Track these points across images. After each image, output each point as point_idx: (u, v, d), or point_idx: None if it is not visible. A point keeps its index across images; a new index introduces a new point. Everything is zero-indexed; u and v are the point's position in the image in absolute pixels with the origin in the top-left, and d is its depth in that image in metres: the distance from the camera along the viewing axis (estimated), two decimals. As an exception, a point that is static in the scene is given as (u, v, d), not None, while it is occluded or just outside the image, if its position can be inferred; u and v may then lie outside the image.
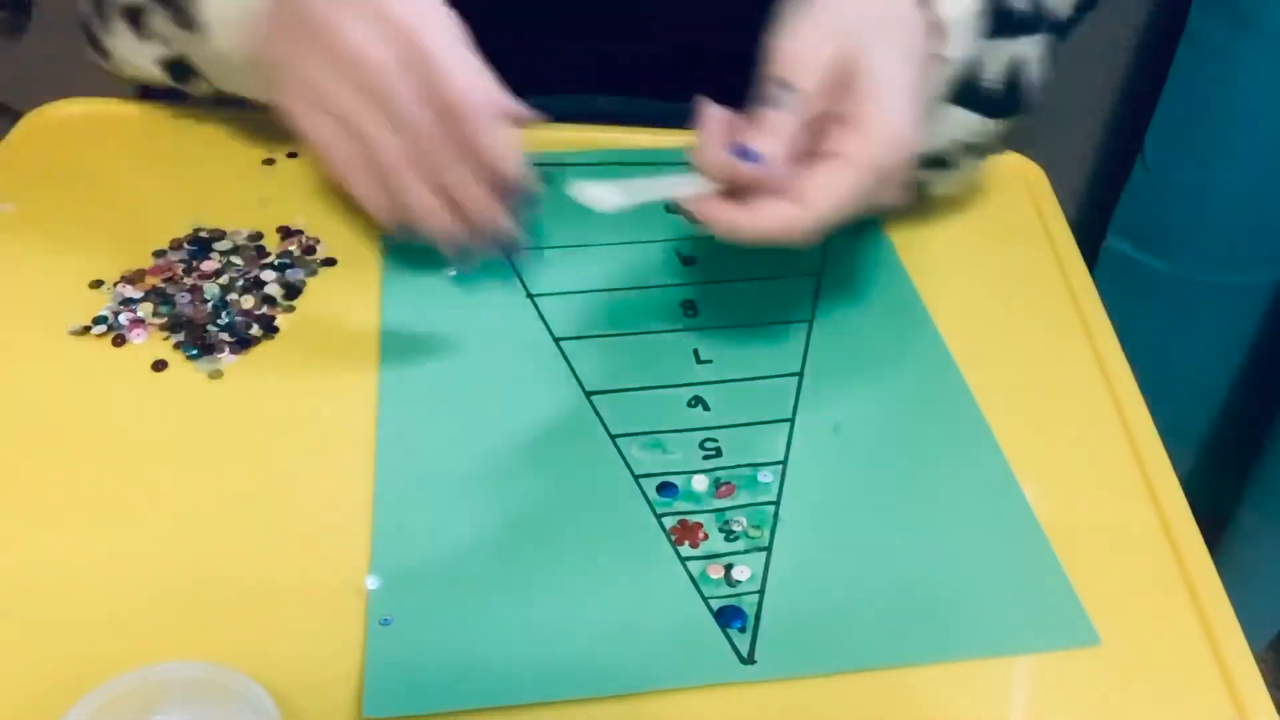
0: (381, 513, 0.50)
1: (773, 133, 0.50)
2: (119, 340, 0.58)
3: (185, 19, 0.61)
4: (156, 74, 0.68)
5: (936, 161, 0.64)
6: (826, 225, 0.50)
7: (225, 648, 0.44)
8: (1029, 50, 0.60)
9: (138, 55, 0.67)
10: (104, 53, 0.70)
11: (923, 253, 0.67)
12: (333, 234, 0.65)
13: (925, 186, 0.66)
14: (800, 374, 0.58)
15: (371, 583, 0.48)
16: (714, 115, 0.53)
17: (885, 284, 0.64)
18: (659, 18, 0.76)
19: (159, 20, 0.65)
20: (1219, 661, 0.47)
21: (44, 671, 0.44)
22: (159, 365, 0.57)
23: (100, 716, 0.40)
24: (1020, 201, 0.73)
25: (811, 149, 0.51)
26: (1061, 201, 0.72)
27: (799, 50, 0.51)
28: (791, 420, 0.56)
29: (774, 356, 0.59)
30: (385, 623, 0.46)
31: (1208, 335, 1.21)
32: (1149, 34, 1.16)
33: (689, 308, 0.62)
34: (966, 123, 0.61)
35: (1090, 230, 1.18)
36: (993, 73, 0.59)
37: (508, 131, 0.54)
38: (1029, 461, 0.55)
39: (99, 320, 0.59)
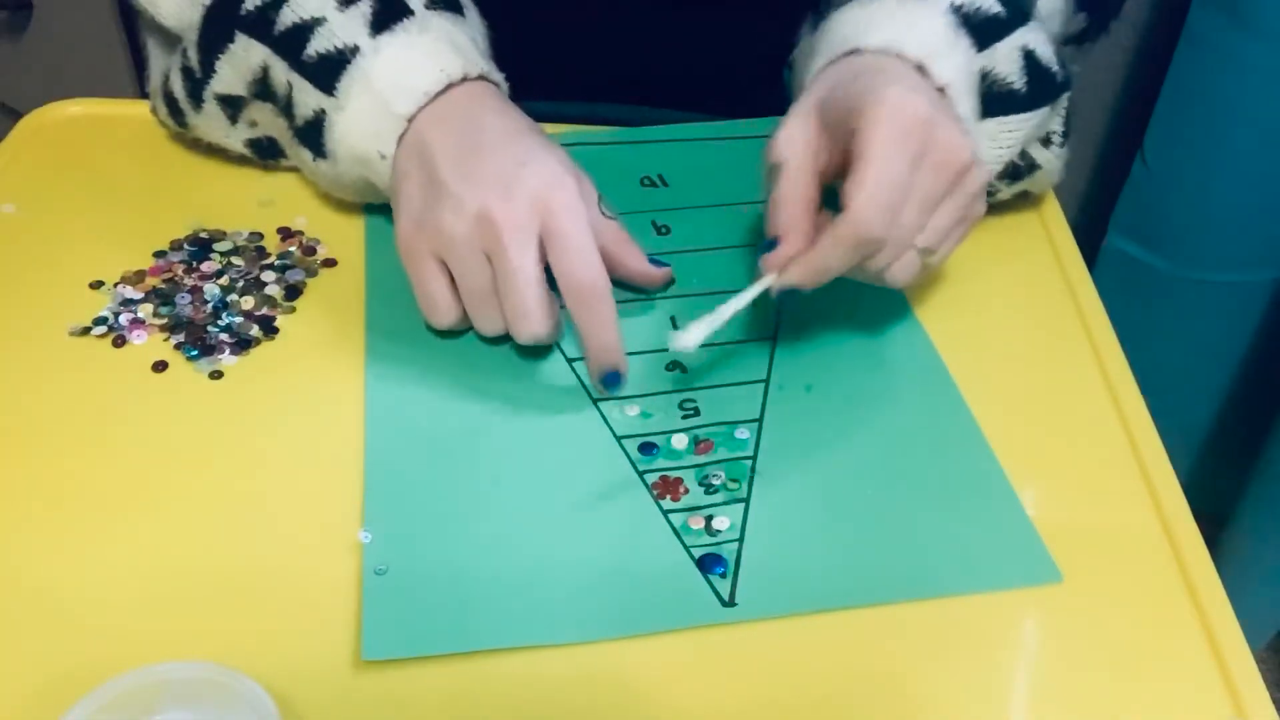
0: (373, 474, 0.52)
1: (778, 213, 0.55)
2: (119, 341, 0.58)
3: (312, 144, 0.61)
4: (238, 149, 0.68)
5: (1018, 170, 0.65)
6: (884, 218, 0.52)
7: (225, 647, 0.44)
8: (1027, 35, 0.60)
9: (225, 135, 0.68)
10: (182, 125, 0.69)
11: (923, 253, 0.67)
12: (333, 235, 0.65)
13: (1030, 186, 0.68)
14: (773, 338, 0.61)
15: (365, 536, 0.49)
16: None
17: None
18: (672, 32, 0.76)
19: (259, 112, 0.65)
20: (1219, 661, 0.47)
21: (44, 671, 0.44)
22: (159, 366, 0.57)
23: (100, 716, 0.40)
24: (1020, 201, 0.73)
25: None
26: (1061, 201, 0.72)
27: (786, 134, 0.55)
28: (766, 381, 0.58)
29: (748, 322, 0.61)
30: (380, 572, 0.48)
31: (1208, 334, 1.21)
32: (1149, 34, 1.16)
33: None
34: (1011, 128, 0.61)
35: (1090, 229, 1.18)
36: (1010, 71, 0.59)
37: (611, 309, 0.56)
38: (1029, 461, 0.55)
39: (99, 321, 0.59)
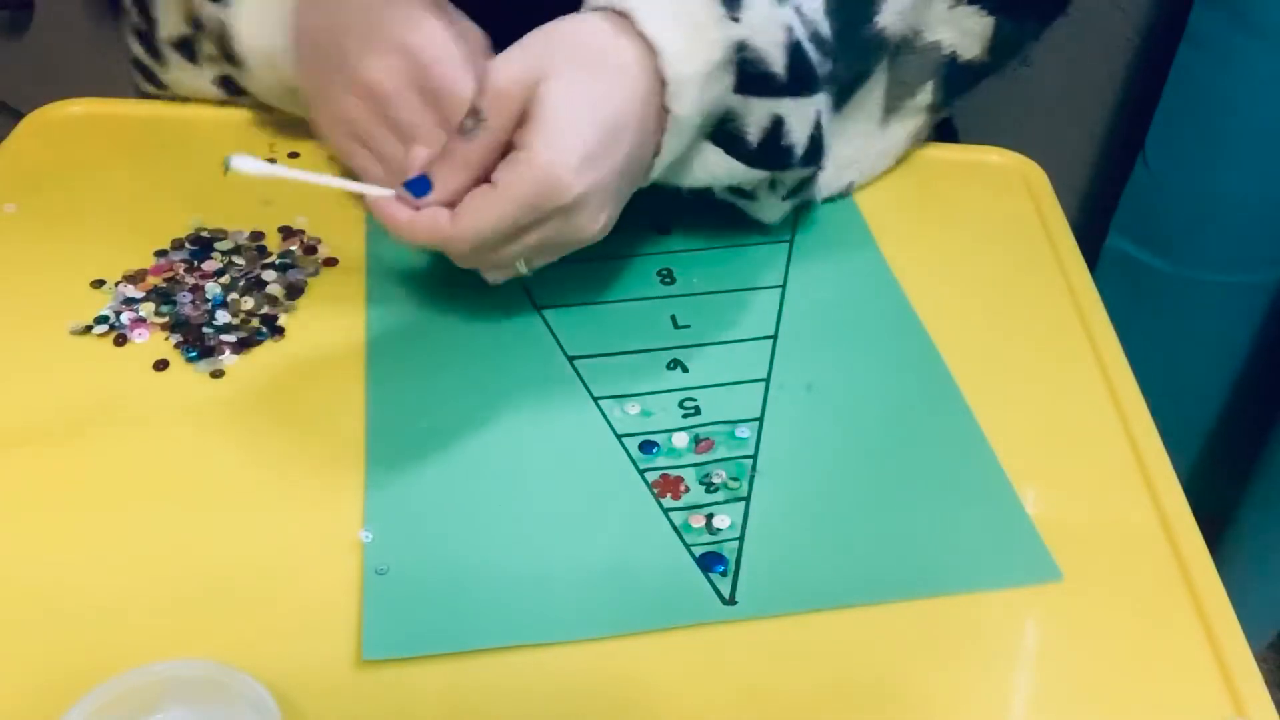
0: (373, 474, 0.52)
1: (453, 163, 0.51)
2: (120, 340, 0.58)
3: (227, 53, 0.65)
4: (214, 92, 0.71)
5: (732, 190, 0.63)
6: (476, 246, 0.51)
7: (226, 646, 0.45)
8: (792, 110, 0.58)
9: (194, 80, 0.71)
10: (160, 85, 0.72)
11: (924, 253, 0.67)
12: (334, 234, 0.65)
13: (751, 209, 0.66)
14: (774, 336, 0.61)
15: (365, 536, 0.49)
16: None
17: (854, 251, 0.67)
18: None
19: (209, 45, 0.68)
20: (1219, 661, 0.47)
21: (44, 671, 0.44)
22: (160, 365, 0.57)
23: (100, 716, 0.40)
24: (1020, 201, 0.73)
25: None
26: (1061, 201, 0.72)
27: (499, 81, 0.50)
28: (767, 380, 0.58)
29: (749, 320, 0.62)
30: (380, 572, 0.48)
31: (1208, 335, 1.21)
32: (1149, 34, 1.16)
33: (665, 275, 0.64)
34: (726, 166, 0.60)
35: (1091, 230, 1.18)
36: (751, 126, 0.58)
37: None
38: (1029, 461, 0.55)
39: (100, 320, 0.59)
